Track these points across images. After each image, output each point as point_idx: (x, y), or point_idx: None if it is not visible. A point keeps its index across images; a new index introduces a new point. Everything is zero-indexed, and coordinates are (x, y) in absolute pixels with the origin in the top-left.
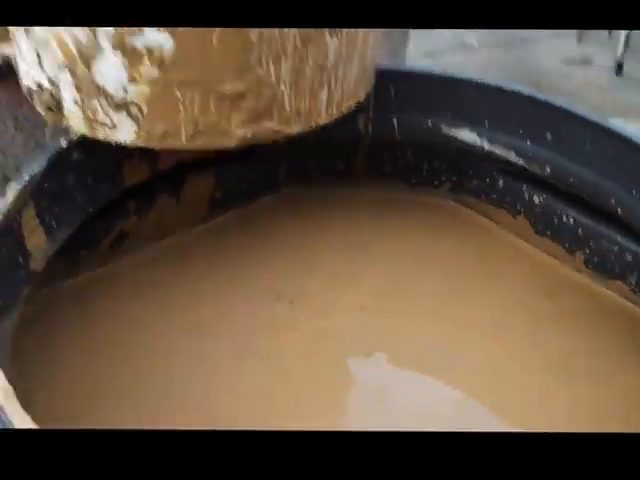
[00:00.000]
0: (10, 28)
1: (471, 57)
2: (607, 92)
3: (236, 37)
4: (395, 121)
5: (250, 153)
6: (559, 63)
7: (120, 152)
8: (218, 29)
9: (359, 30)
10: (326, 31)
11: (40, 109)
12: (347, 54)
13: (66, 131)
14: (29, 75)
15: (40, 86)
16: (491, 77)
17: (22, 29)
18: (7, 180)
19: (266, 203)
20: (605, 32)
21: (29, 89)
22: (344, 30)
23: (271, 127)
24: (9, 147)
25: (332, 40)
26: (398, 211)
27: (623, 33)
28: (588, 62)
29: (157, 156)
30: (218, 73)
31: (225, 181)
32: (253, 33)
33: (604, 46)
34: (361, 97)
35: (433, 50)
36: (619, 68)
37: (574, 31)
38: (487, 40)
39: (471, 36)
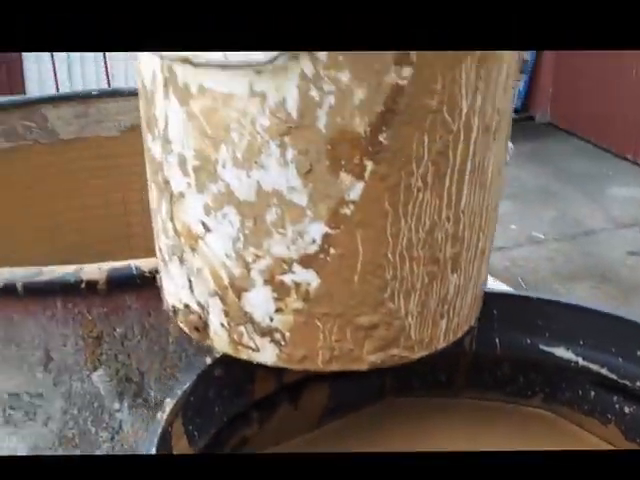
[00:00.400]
0: (161, 253)
1: (538, 250)
2: None
3: (374, 277)
4: (497, 339)
5: None
6: (624, 254)
7: (254, 368)
8: (359, 269)
9: (474, 263)
10: (449, 268)
11: (185, 327)
12: (464, 287)
13: (189, 341)
14: (177, 296)
15: (188, 307)
16: (561, 269)
17: (176, 257)
18: (130, 381)
19: (373, 411)
20: None
21: (175, 308)
22: (463, 266)
23: (397, 353)
24: (134, 351)
25: (453, 276)
26: (495, 419)
27: None
28: None
29: (284, 371)
30: (356, 307)
31: (338, 392)
32: (388, 273)
33: None
34: (472, 322)
35: (503, 245)
36: None
37: (638, 222)
38: (553, 233)
39: (538, 230)
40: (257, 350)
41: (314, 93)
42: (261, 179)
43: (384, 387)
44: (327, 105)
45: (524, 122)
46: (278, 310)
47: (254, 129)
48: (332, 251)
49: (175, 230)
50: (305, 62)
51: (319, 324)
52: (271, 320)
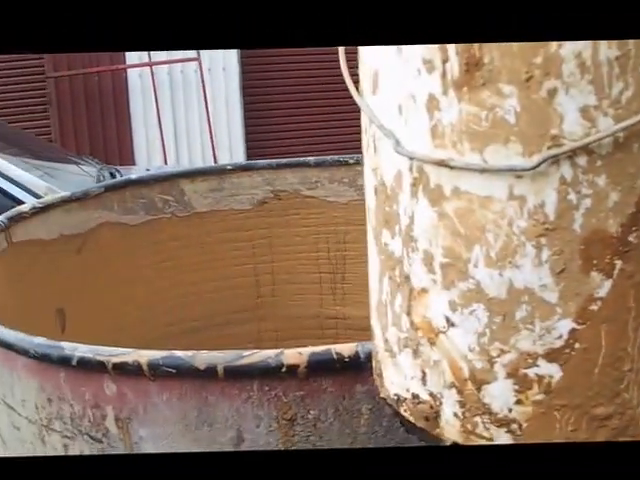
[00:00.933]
0: (388, 344)
1: None
2: None
3: (613, 369)
4: None
5: None
6: None
7: None
8: (600, 362)
9: None
10: None
11: (409, 416)
12: None
13: (379, 423)
14: (403, 386)
15: (417, 397)
16: None
17: (409, 350)
18: None
19: None
20: None
21: (399, 397)
22: None
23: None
24: (326, 433)
25: None
26: None
27: None
28: None
29: None
30: (594, 399)
31: None
32: (626, 365)
33: None
34: None
35: None
36: None
37: None
38: None
39: None
40: (490, 439)
41: (572, 196)
42: (514, 277)
43: None
44: (584, 207)
45: None
46: (518, 402)
47: (511, 230)
48: (577, 346)
49: (412, 323)
50: (565, 167)
51: (557, 415)
52: (509, 411)
